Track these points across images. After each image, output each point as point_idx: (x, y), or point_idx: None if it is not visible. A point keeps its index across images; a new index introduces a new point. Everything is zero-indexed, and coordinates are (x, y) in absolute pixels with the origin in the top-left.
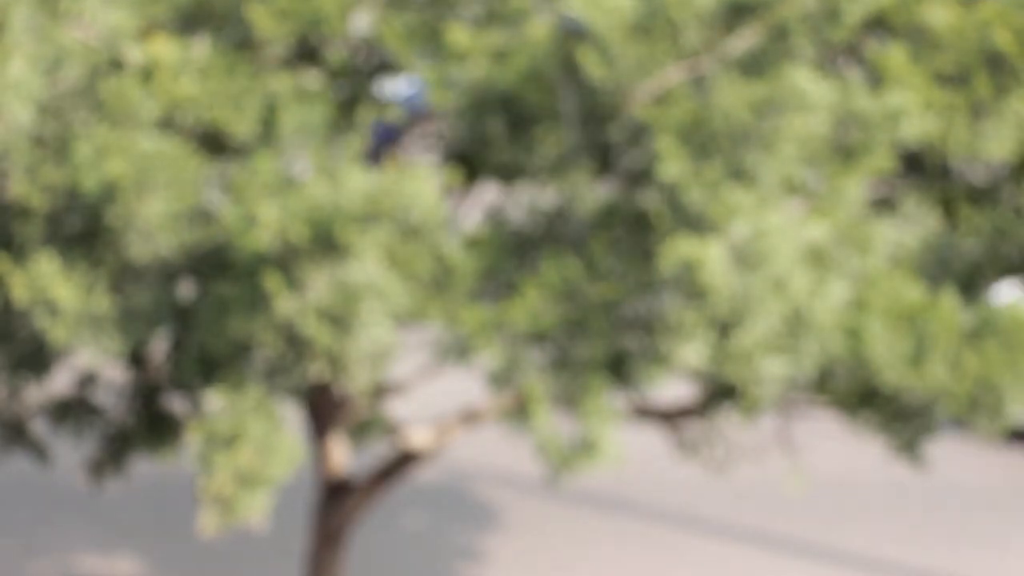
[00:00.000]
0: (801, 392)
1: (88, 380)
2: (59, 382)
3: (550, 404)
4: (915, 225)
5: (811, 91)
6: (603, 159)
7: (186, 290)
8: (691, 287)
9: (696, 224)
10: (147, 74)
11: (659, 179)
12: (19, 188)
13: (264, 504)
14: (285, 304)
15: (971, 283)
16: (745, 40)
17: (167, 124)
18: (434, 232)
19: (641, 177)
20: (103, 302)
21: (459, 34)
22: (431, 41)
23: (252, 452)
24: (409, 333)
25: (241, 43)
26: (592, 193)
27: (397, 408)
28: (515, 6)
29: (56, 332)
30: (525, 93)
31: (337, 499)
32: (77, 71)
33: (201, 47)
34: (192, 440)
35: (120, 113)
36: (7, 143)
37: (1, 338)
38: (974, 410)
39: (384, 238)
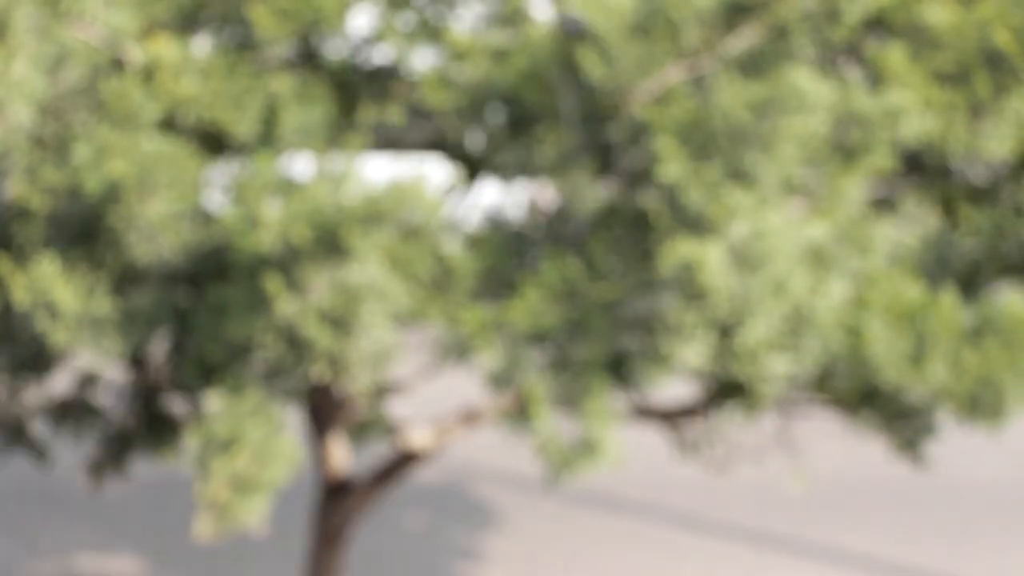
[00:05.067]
0: (802, 391)
1: (88, 381)
2: (59, 383)
3: (550, 404)
4: (915, 224)
5: (811, 91)
6: (603, 159)
7: (187, 291)
8: (691, 288)
9: (696, 224)
10: (148, 74)
11: (659, 179)
12: (20, 189)
13: (262, 509)
14: (286, 306)
15: (971, 282)
16: (745, 40)
17: (168, 124)
18: (435, 233)
19: (641, 177)
20: (104, 304)
21: (459, 34)
22: (431, 41)
23: (250, 457)
24: (409, 333)
25: (241, 43)
26: (592, 193)
27: (397, 408)
28: (515, 6)
29: (57, 334)
30: (525, 93)
31: (337, 499)
32: (78, 71)
33: (202, 47)
34: (190, 444)
35: (121, 113)
36: (7, 143)
37: (1, 339)
38: (975, 409)
39: (385, 239)
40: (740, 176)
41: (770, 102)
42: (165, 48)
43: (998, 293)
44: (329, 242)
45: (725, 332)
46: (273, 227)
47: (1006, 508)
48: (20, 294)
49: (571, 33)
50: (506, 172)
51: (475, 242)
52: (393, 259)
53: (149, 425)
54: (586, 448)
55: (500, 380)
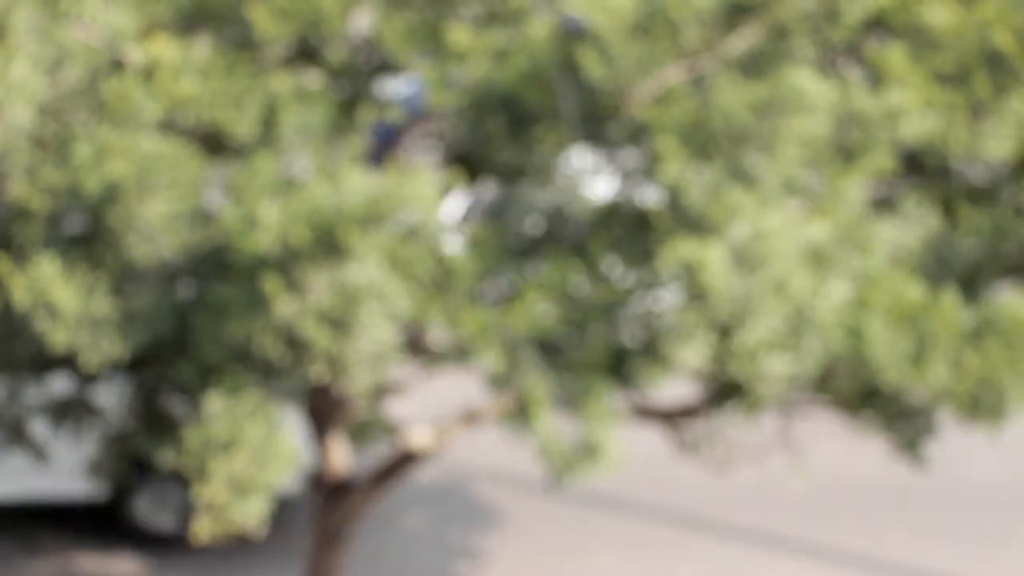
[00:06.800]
0: (802, 391)
1: (88, 381)
2: (59, 383)
3: (551, 406)
4: (915, 224)
5: (811, 91)
6: (603, 159)
7: (186, 292)
8: (692, 288)
9: (696, 225)
10: (148, 74)
11: (659, 179)
12: (19, 189)
13: (261, 510)
14: (285, 306)
15: (971, 282)
16: (745, 40)
17: (168, 125)
18: (435, 233)
19: (641, 177)
20: (103, 304)
21: (459, 34)
22: (431, 41)
23: (248, 458)
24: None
25: (241, 43)
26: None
27: (397, 408)
28: (515, 6)
29: (56, 335)
30: (525, 93)
31: (337, 499)
32: (78, 72)
33: (201, 47)
34: (188, 445)
35: (121, 114)
36: (7, 144)
37: (1, 339)
38: (975, 409)
39: (385, 240)
40: (741, 176)
41: (771, 103)
42: (164, 48)
43: (998, 293)
44: (328, 242)
45: (725, 332)
46: (272, 228)
47: (1006, 508)
48: (20, 294)
49: (571, 33)
50: (506, 172)
51: (475, 242)
52: (393, 259)
53: (149, 425)
54: (587, 450)
55: (500, 381)
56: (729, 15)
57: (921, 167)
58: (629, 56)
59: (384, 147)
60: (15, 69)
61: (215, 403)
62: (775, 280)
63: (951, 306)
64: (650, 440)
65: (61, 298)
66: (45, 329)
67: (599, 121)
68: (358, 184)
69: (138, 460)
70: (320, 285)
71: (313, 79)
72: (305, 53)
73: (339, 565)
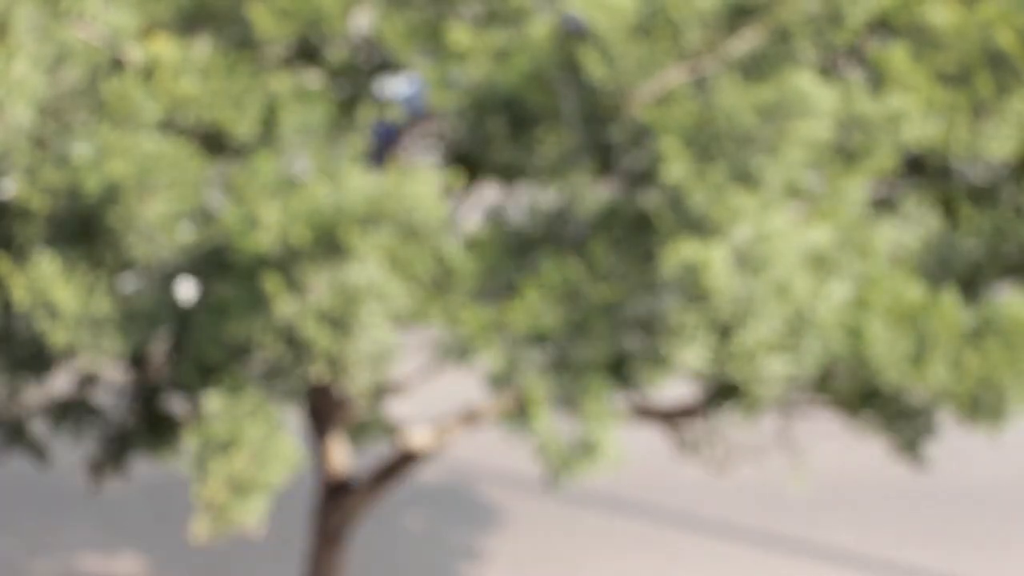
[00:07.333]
0: (802, 392)
1: (88, 381)
2: (59, 383)
3: (550, 405)
4: (915, 225)
5: (815, 95)
6: (604, 160)
7: (186, 291)
8: (693, 289)
9: (699, 226)
10: (148, 74)
11: (662, 180)
12: (19, 189)
13: (260, 510)
14: (285, 306)
15: (972, 283)
16: (747, 42)
17: (168, 124)
18: (435, 233)
19: (642, 178)
20: (103, 304)
21: (460, 34)
22: (432, 40)
23: (248, 457)
24: (409, 334)
25: (242, 43)
26: (593, 194)
27: (397, 408)
28: (515, 6)
29: (56, 335)
30: (526, 93)
31: (337, 499)
32: (78, 71)
33: (202, 47)
34: (188, 444)
35: (121, 113)
36: (7, 144)
37: (1, 339)
38: (975, 410)
39: (385, 240)
40: (744, 179)
41: (774, 106)
42: (165, 48)
43: (999, 294)
44: (328, 242)
45: (725, 333)
46: (273, 227)
47: (1006, 508)
48: (20, 294)
49: (572, 33)
50: (507, 173)
51: (475, 242)
52: (393, 259)
53: (149, 425)
54: (585, 449)
55: (500, 381)
56: (731, 16)
57: (922, 167)
58: (630, 57)
59: (384, 147)
60: (15, 68)
61: (215, 403)
62: (777, 282)
63: (951, 306)
64: (650, 440)
65: (61, 298)
66: (45, 329)
67: (600, 121)
68: (358, 184)
69: None
70: (320, 285)
71: (313, 79)
72: (305, 53)
73: (339, 565)
